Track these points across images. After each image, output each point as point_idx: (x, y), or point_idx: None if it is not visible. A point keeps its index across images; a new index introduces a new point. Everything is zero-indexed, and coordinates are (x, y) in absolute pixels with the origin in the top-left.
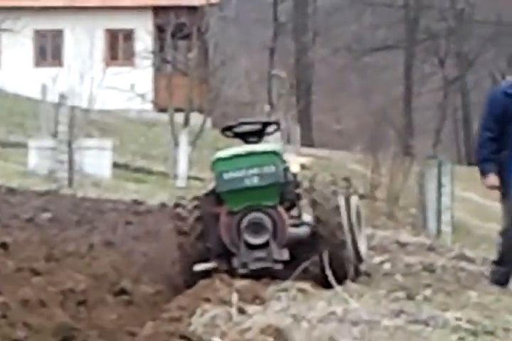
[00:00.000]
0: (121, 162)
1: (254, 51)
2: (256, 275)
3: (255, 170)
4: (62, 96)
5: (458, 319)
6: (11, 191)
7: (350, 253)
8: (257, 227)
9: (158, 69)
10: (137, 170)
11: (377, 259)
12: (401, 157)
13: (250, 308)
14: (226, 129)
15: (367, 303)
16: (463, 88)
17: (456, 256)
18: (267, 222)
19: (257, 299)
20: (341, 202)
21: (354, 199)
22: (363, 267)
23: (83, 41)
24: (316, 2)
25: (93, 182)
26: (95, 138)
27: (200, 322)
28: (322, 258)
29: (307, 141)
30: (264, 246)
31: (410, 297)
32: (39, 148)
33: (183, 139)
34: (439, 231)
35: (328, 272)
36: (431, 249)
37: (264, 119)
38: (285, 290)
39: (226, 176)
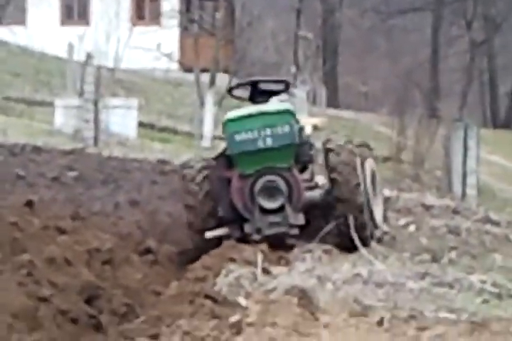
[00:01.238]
0: (146, 121)
1: (280, 12)
2: (271, 240)
3: (268, 131)
4: (89, 55)
5: (482, 282)
6: (37, 149)
7: (367, 216)
8: (271, 191)
9: (184, 29)
10: (163, 129)
11: (402, 221)
12: (427, 119)
13: (275, 269)
14: (230, 91)
15: (392, 265)
16: (489, 51)
17: (481, 219)
18: (282, 185)
19: (282, 260)
20: (358, 163)
21: (369, 163)
22: (378, 233)
23: (110, 0)
24: None
25: (119, 141)
26: (121, 98)
27: (225, 283)
28: (345, 221)
29: (333, 103)
30: (279, 210)
31: (435, 259)
32: (65, 107)
33: (209, 99)
34: (464, 194)
35: (354, 234)
36: (456, 211)
37: (267, 78)
38: (310, 251)
39: (238, 137)
